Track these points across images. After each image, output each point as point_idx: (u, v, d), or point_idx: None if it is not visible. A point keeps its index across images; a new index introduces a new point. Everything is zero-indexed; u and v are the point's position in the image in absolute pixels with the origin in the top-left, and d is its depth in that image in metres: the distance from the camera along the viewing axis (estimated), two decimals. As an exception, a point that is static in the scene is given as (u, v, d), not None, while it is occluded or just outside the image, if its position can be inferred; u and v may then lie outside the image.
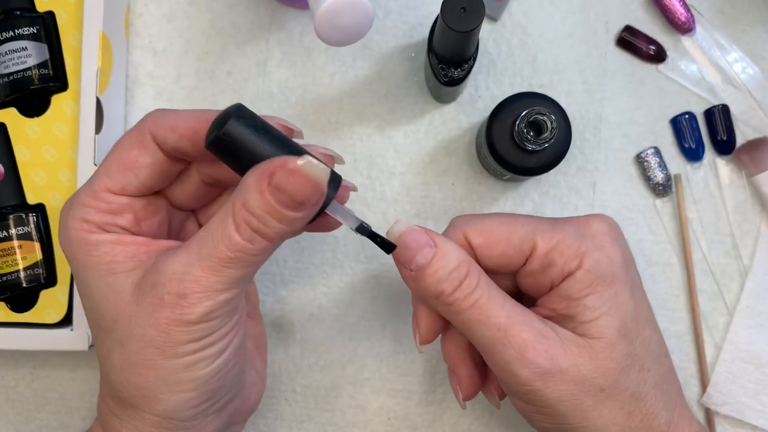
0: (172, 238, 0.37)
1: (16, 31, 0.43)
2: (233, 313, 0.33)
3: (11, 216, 0.43)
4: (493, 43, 0.48)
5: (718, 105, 0.47)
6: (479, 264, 0.36)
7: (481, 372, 0.38)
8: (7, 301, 0.44)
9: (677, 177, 0.47)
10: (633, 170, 0.48)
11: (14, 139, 0.44)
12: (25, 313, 0.44)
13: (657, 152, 0.47)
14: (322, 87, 0.48)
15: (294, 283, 0.47)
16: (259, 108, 0.48)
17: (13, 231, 0.43)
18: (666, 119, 0.48)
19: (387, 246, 0.35)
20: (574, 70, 0.48)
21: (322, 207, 0.32)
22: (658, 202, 0.48)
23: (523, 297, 0.39)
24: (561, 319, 0.35)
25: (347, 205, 0.36)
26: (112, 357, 0.32)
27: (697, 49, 0.48)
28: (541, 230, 0.36)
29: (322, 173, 0.29)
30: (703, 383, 0.47)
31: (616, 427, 0.34)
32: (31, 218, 0.44)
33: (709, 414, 0.46)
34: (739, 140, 0.47)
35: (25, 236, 0.43)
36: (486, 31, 0.48)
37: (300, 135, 0.36)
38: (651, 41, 0.48)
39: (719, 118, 0.47)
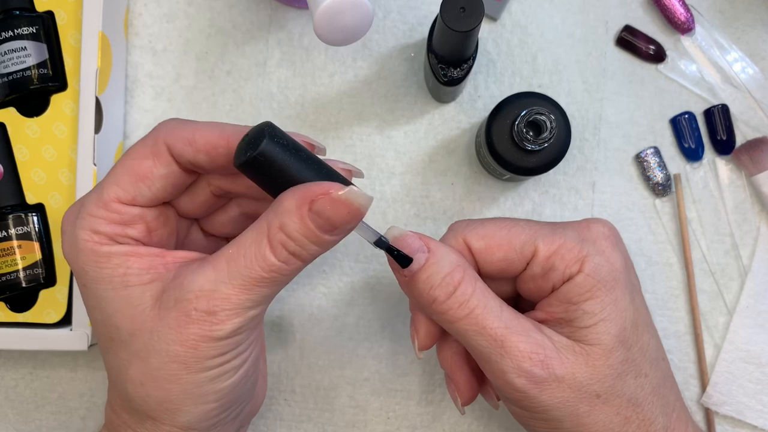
0: (178, 247, 0.37)
1: (15, 30, 0.43)
2: (258, 326, 0.33)
3: (11, 216, 0.43)
4: (493, 42, 0.48)
5: (718, 105, 0.47)
6: (479, 269, 0.36)
7: (478, 376, 0.38)
8: (6, 301, 0.44)
9: (677, 177, 0.47)
10: (633, 170, 0.48)
11: (14, 139, 0.44)
12: (25, 313, 0.44)
13: (657, 152, 0.47)
14: (322, 87, 0.48)
15: (293, 283, 0.47)
16: (259, 108, 0.48)
17: (12, 231, 0.43)
18: (665, 119, 0.48)
19: (404, 259, 0.34)
20: (573, 70, 0.48)
21: None
22: (658, 202, 0.48)
23: (521, 301, 0.39)
24: (558, 324, 0.35)
25: None
26: (129, 370, 0.32)
27: (697, 49, 0.48)
28: (542, 234, 0.36)
29: (365, 201, 0.30)
30: (703, 383, 0.46)
31: None
32: (31, 218, 0.44)
33: (708, 414, 0.46)
34: (739, 140, 0.47)
35: (25, 236, 0.43)
36: (485, 31, 0.48)
37: (323, 151, 0.35)
38: (651, 41, 0.48)
39: (719, 118, 0.47)
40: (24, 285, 0.43)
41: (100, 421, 0.47)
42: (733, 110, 0.47)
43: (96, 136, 0.43)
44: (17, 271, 0.43)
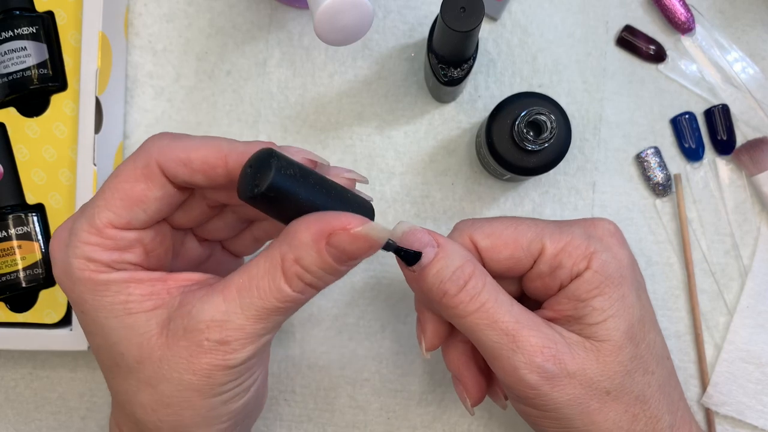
0: (174, 257, 0.36)
1: (15, 30, 0.43)
2: (268, 347, 0.33)
3: (10, 216, 0.43)
4: (493, 42, 0.48)
5: (718, 105, 0.47)
6: (486, 268, 0.36)
7: (486, 376, 0.38)
8: (6, 301, 0.44)
9: (677, 177, 0.47)
10: (633, 170, 0.48)
11: (14, 139, 0.44)
12: (25, 313, 0.44)
13: (657, 152, 0.47)
14: (322, 87, 0.48)
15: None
16: (259, 108, 0.48)
17: (12, 231, 0.43)
18: (666, 119, 0.48)
19: (412, 257, 0.34)
20: (573, 70, 0.48)
21: None
22: (658, 202, 0.47)
23: (526, 301, 0.39)
24: (567, 321, 0.35)
25: None
26: (139, 397, 0.32)
27: (697, 49, 0.48)
28: (549, 232, 0.36)
29: (383, 234, 0.30)
30: (703, 383, 0.46)
31: (621, 430, 0.34)
32: (31, 218, 0.44)
33: (709, 414, 0.46)
34: (739, 140, 0.47)
35: (25, 236, 0.43)
36: (486, 31, 0.48)
37: (326, 167, 0.34)
38: (651, 41, 0.48)
39: (719, 118, 0.47)
40: (24, 285, 0.43)
41: (100, 421, 0.47)
42: (734, 110, 0.47)
43: (96, 136, 0.43)
44: (17, 271, 0.43)
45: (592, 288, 0.34)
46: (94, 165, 0.43)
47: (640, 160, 0.47)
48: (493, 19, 0.48)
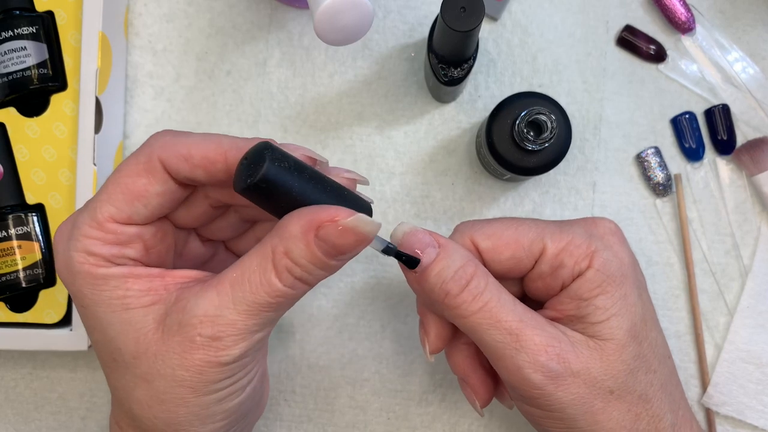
0: (176, 257, 0.36)
1: (15, 30, 0.43)
2: (264, 346, 0.33)
3: (10, 216, 0.43)
4: (493, 42, 0.48)
5: (719, 105, 0.47)
6: (487, 269, 0.36)
7: (493, 376, 0.38)
8: (6, 301, 0.44)
9: (677, 177, 0.47)
10: (633, 170, 0.48)
11: (14, 139, 0.44)
12: (25, 313, 0.44)
13: (657, 152, 0.47)
14: (322, 87, 0.48)
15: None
16: (259, 108, 0.48)
17: (12, 231, 0.43)
18: (666, 119, 0.48)
19: (413, 261, 0.34)
20: (574, 70, 0.48)
21: None
22: (659, 201, 0.47)
23: (528, 302, 0.39)
24: (570, 321, 0.35)
25: None
26: (135, 392, 0.32)
27: (698, 49, 0.48)
28: (550, 232, 0.36)
29: (372, 228, 0.29)
30: (704, 383, 0.46)
31: (624, 430, 0.34)
32: (31, 218, 0.44)
33: (709, 414, 0.46)
34: (740, 140, 0.47)
35: (25, 236, 0.43)
36: (486, 31, 0.48)
37: (325, 165, 0.34)
38: (651, 41, 0.47)
39: (719, 118, 0.47)
40: (24, 285, 0.43)
41: (100, 421, 0.47)
42: (734, 110, 0.47)
43: (96, 136, 0.43)
44: (17, 271, 0.43)
45: (595, 287, 0.34)
46: (94, 165, 0.43)
47: (640, 160, 0.47)
48: (494, 19, 0.48)
